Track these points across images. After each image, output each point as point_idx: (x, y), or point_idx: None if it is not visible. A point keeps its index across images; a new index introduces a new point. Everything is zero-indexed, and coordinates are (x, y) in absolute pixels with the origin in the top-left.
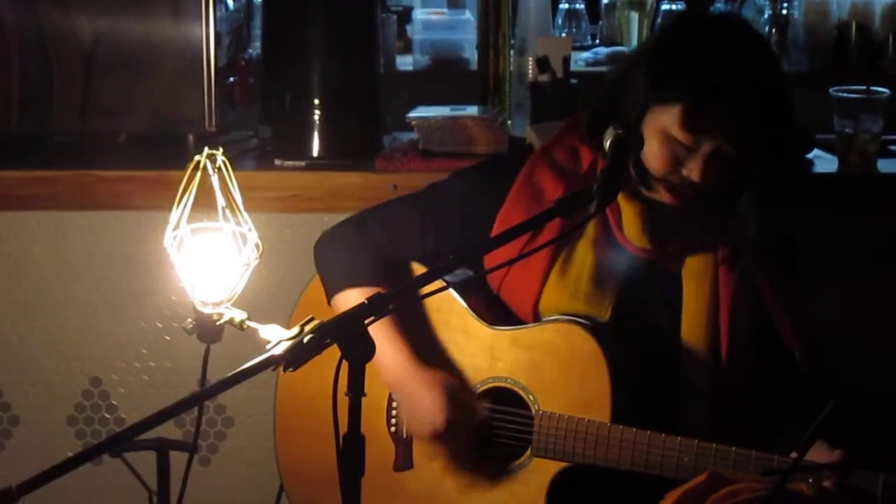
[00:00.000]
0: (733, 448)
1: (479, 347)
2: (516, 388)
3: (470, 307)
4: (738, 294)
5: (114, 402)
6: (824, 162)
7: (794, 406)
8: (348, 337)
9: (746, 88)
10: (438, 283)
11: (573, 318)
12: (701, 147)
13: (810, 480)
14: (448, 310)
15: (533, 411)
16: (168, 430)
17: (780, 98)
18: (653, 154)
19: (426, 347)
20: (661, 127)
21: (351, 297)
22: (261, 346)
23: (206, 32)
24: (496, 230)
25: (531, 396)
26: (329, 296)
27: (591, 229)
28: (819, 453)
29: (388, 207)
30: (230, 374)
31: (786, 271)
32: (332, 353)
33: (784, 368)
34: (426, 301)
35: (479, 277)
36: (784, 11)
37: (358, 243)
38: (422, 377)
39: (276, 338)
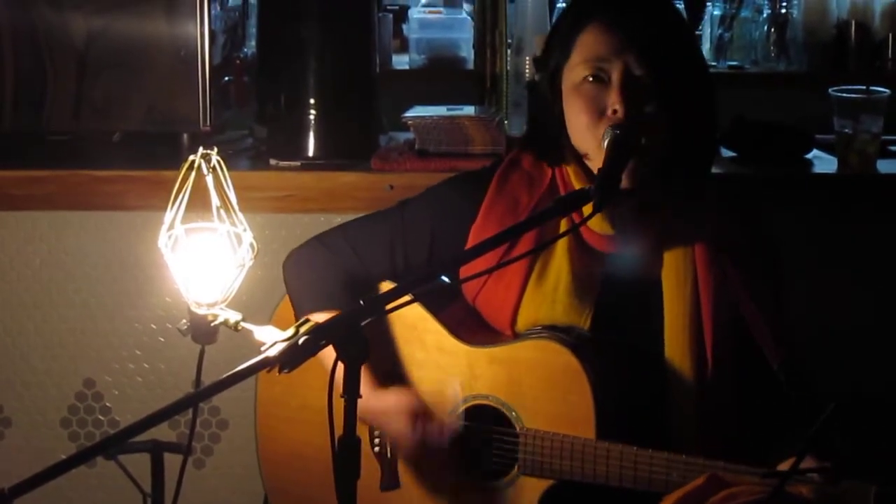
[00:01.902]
0: (721, 462)
1: (457, 365)
2: (498, 406)
3: (445, 324)
4: (718, 298)
5: (107, 403)
6: (824, 162)
7: (781, 413)
8: (344, 338)
9: (638, 11)
10: (410, 296)
11: (552, 332)
12: (611, 77)
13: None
14: (423, 328)
15: (517, 429)
16: (162, 432)
17: (679, 23)
18: (574, 111)
19: (402, 365)
20: (572, 83)
21: (319, 320)
22: (255, 347)
23: (201, 31)
24: (470, 245)
25: (514, 413)
26: (297, 317)
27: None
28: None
29: (357, 226)
30: (225, 375)
31: (763, 273)
32: (313, 372)
33: (767, 374)
34: (402, 318)
35: (456, 287)
36: (783, 10)
37: (325, 264)
38: (383, 405)
39: (271, 339)
